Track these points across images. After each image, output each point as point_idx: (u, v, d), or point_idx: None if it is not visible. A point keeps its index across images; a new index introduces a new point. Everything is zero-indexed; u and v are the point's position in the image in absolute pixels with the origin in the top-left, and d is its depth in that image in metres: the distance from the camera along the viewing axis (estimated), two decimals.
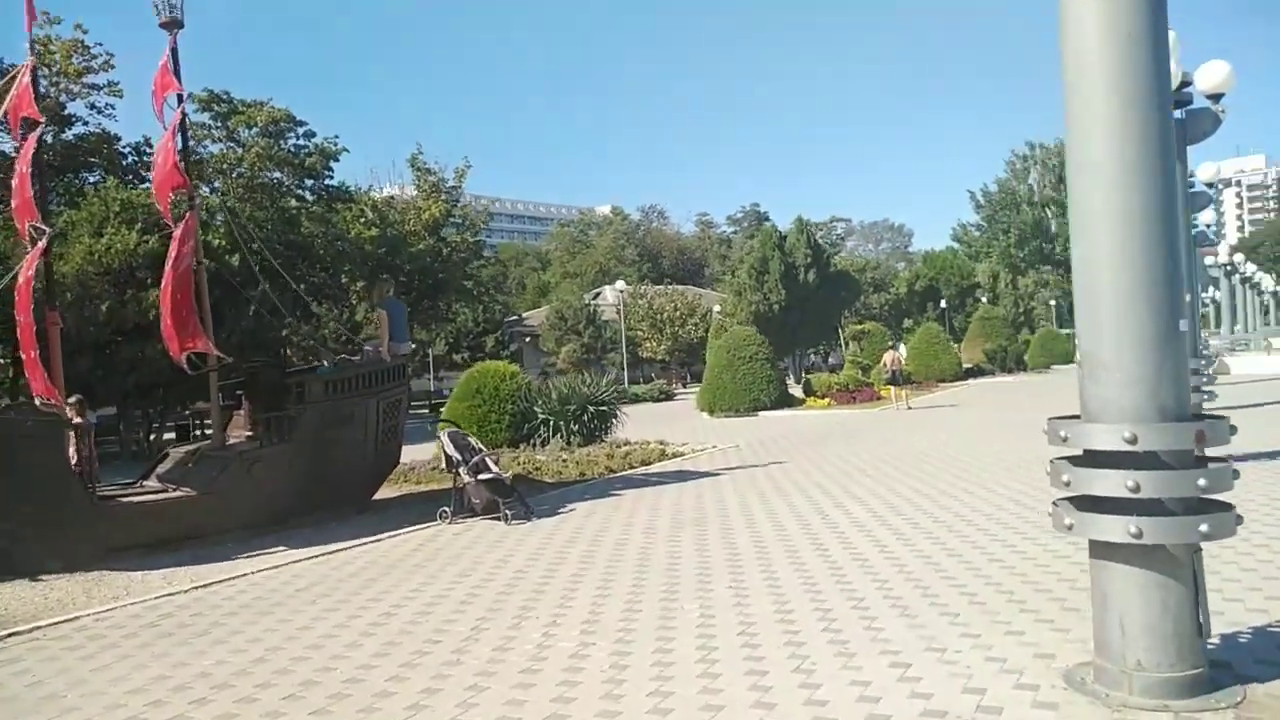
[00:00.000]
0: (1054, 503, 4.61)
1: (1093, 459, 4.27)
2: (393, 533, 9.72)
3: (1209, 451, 4.33)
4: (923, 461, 13.32)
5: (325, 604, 6.94)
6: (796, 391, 29.14)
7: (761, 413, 25.46)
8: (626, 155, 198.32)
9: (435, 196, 36.80)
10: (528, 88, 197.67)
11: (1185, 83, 10.43)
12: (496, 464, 10.68)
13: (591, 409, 17.43)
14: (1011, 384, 36.21)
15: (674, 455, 15.80)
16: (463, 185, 38.29)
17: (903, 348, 33.15)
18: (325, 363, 11.90)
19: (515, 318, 56.96)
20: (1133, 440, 4.07)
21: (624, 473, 13.89)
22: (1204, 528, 4.09)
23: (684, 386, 46.29)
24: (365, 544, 9.22)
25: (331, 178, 31.90)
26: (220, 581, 7.91)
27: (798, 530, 8.66)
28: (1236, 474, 4.25)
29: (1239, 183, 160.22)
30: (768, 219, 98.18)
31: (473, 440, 10.85)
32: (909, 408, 24.64)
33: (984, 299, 66.38)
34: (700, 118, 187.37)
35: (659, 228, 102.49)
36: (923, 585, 6.41)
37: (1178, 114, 10.66)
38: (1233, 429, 4.26)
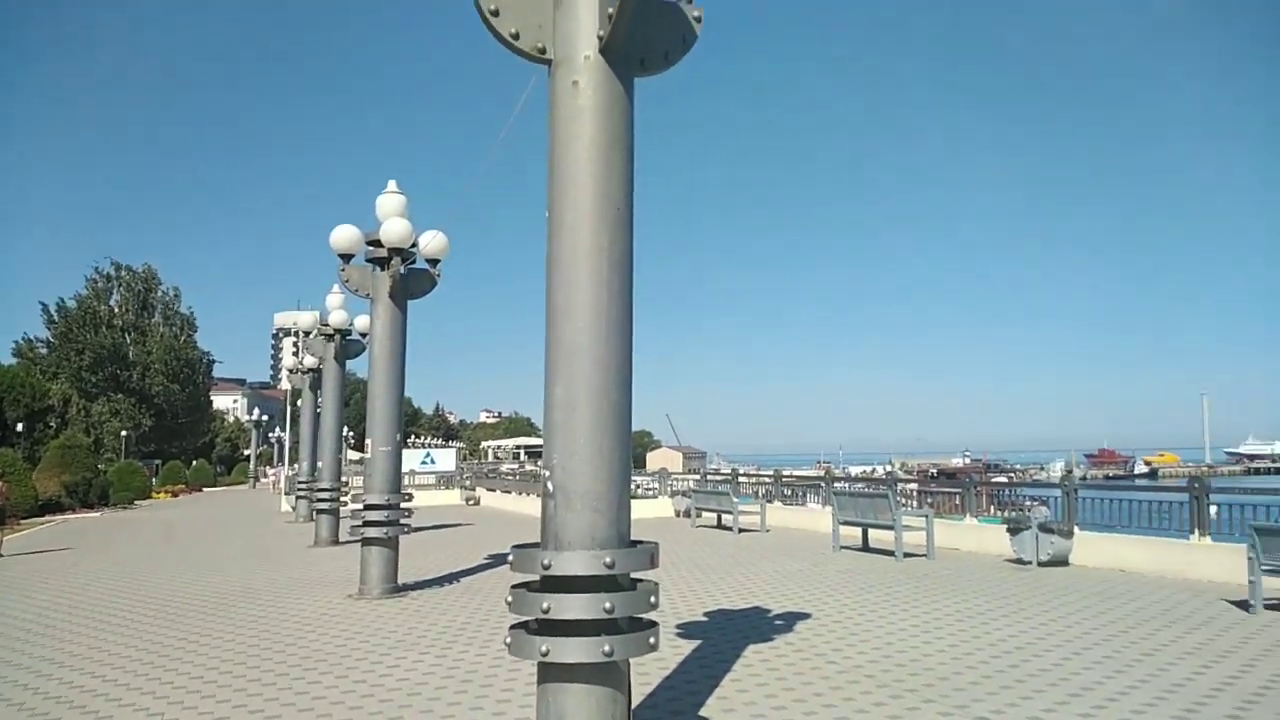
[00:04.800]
0: (512, 629, 4.69)
1: (569, 584, 4.52)
2: None
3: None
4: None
5: None
6: None
7: None
8: None
9: None
10: None
11: (414, 244, 11.80)
12: None
13: None
14: (106, 520, 33.06)
15: None
16: None
17: None
18: None
19: None
20: (611, 565, 4.49)
21: None
22: (651, 640, 4.69)
23: None
24: None
25: None
26: None
27: None
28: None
29: None
30: None
31: None
32: (1, 555, 20.06)
33: (54, 423, 59.67)
34: None
35: None
36: None
37: (403, 270, 11.98)
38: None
